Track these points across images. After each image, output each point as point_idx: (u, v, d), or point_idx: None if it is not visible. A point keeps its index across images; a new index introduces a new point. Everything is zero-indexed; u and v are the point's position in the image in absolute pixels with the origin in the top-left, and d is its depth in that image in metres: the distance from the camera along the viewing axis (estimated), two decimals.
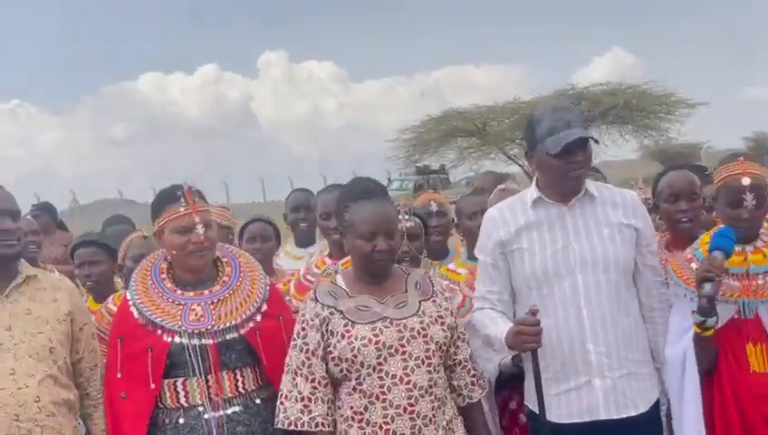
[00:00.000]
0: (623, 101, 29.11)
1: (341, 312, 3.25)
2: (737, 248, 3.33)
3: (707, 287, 3.17)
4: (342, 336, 3.21)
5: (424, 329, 3.22)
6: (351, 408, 3.21)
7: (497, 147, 32.31)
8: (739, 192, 3.33)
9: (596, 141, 3.35)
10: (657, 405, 3.44)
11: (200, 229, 3.31)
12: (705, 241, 3.42)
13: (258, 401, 3.36)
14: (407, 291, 3.31)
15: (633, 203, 3.49)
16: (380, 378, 3.17)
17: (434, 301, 3.32)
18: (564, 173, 3.36)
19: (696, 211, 3.91)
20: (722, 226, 3.42)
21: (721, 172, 3.43)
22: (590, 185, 3.46)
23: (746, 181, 3.33)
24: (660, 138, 31.31)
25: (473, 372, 3.38)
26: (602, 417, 3.34)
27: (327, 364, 3.23)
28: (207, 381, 3.29)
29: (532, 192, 3.48)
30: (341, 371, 3.21)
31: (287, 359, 3.28)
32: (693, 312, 3.24)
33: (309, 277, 4.30)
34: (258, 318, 3.41)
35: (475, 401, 3.38)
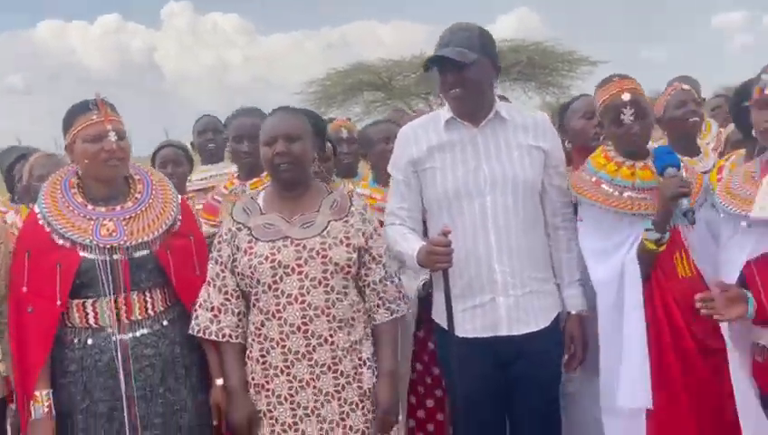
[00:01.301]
0: (526, 58, 29.36)
1: (249, 228, 3.28)
2: (628, 163, 3.47)
3: (686, 202, 3.25)
4: (245, 252, 3.24)
5: (324, 250, 3.23)
6: (253, 323, 3.27)
7: (403, 101, 32.28)
8: (619, 108, 3.44)
9: (462, 64, 3.35)
10: (557, 320, 3.55)
11: (112, 137, 3.25)
12: (600, 162, 3.55)
13: (165, 322, 3.35)
14: (319, 210, 3.32)
15: (543, 125, 3.58)
16: (276, 296, 3.20)
17: (346, 221, 3.32)
18: (445, 91, 3.46)
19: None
20: (657, 145, 3.53)
21: (600, 95, 3.54)
22: (502, 108, 3.53)
23: (626, 97, 3.43)
24: (562, 95, 31.69)
25: (381, 295, 3.37)
26: (504, 333, 3.45)
27: (236, 278, 3.27)
28: (117, 303, 3.25)
29: (444, 112, 3.54)
30: (245, 285, 3.26)
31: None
32: (647, 230, 3.33)
33: (217, 197, 4.31)
34: (170, 235, 3.38)
35: (379, 323, 3.37)
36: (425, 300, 3.82)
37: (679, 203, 3.25)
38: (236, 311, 3.29)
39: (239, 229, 3.30)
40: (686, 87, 4.48)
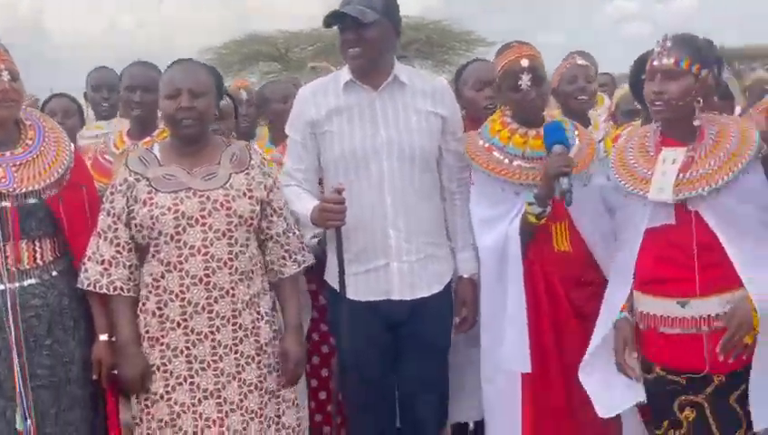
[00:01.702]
0: (425, 36, 29.53)
1: (148, 179, 3.21)
2: (521, 130, 3.52)
3: (565, 181, 3.26)
4: (144, 203, 3.18)
5: (228, 202, 3.20)
6: (151, 275, 3.21)
7: (299, 73, 32.11)
8: (517, 74, 3.47)
9: (362, 22, 3.35)
10: (449, 285, 3.61)
11: (5, 76, 3.15)
12: (495, 128, 3.59)
13: (55, 272, 3.27)
14: (220, 163, 3.28)
15: (442, 91, 3.61)
16: (178, 247, 3.16)
17: (247, 174, 3.29)
18: (343, 50, 3.47)
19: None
20: (548, 121, 3.55)
21: (499, 61, 3.57)
22: (402, 71, 3.54)
23: (524, 63, 3.47)
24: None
25: (286, 247, 3.37)
26: (396, 297, 3.49)
27: (131, 230, 3.21)
28: (5, 251, 3.16)
29: (344, 74, 3.53)
30: (143, 238, 3.19)
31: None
32: (530, 203, 3.37)
33: (107, 157, 4.18)
34: (62, 184, 3.29)
35: (285, 276, 3.39)
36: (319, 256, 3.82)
37: (560, 182, 3.27)
38: (128, 264, 3.23)
39: (137, 180, 3.22)
40: (581, 62, 4.55)
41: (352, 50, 3.41)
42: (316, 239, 3.76)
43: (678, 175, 3.09)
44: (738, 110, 4.96)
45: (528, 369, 3.42)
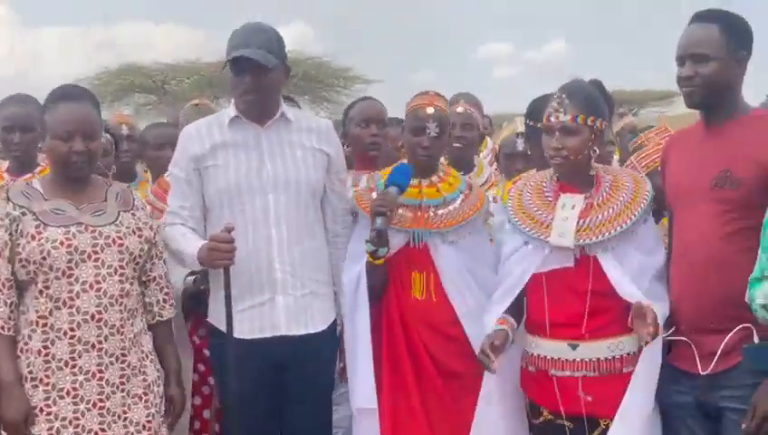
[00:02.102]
0: (302, 72, 29.62)
1: (34, 213, 3.13)
2: (414, 181, 3.55)
3: (379, 221, 3.32)
4: (33, 238, 3.09)
5: (120, 238, 3.17)
6: (36, 312, 3.11)
7: (175, 106, 31.69)
8: (423, 120, 3.52)
9: (271, 67, 3.39)
10: (334, 324, 3.62)
11: None
12: (386, 173, 3.62)
13: None
14: (106, 200, 3.24)
15: (327, 130, 3.65)
16: (69, 283, 3.09)
17: (133, 214, 3.27)
18: (238, 94, 3.47)
19: (384, 136, 4.17)
20: (402, 162, 3.64)
21: (410, 103, 3.63)
22: (288, 110, 3.58)
23: (431, 110, 3.53)
24: (336, 111, 32.21)
25: (165, 290, 3.37)
26: (283, 332, 3.47)
27: (13, 266, 3.11)
28: None
29: (230, 111, 3.54)
30: (28, 273, 3.09)
31: None
32: (366, 241, 3.40)
33: None
34: None
35: (164, 319, 3.37)
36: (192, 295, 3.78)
37: (375, 220, 3.34)
38: (8, 301, 3.11)
39: (23, 214, 3.13)
40: (459, 110, 4.62)
41: (250, 95, 3.43)
42: (192, 278, 3.72)
43: (579, 221, 3.20)
44: (616, 157, 5.15)
45: (373, 405, 3.46)
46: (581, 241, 3.18)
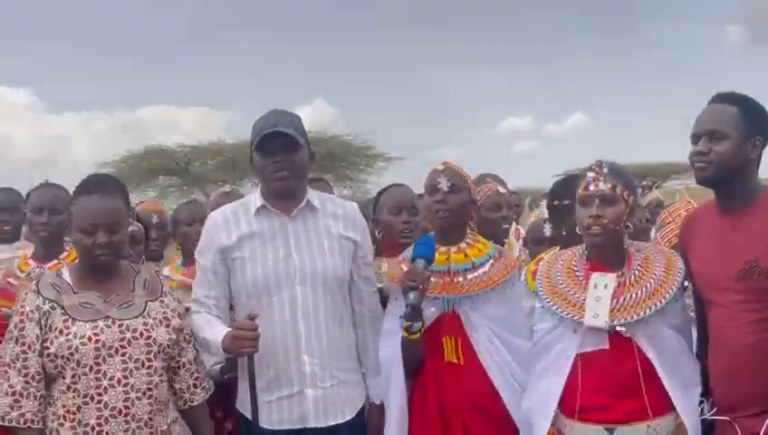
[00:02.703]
0: (325, 150, 29.92)
1: (63, 307, 3.13)
2: (442, 249, 3.54)
3: (411, 296, 3.30)
4: (61, 332, 3.09)
5: (147, 331, 3.16)
6: (64, 407, 3.09)
7: (200, 187, 32.02)
8: (434, 178, 3.54)
9: (301, 144, 3.42)
10: (362, 411, 3.57)
11: None
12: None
13: None
14: (134, 290, 3.24)
15: (354, 215, 3.63)
16: (97, 378, 3.07)
17: (161, 301, 3.27)
18: (269, 174, 3.44)
19: (416, 224, 4.13)
20: (424, 236, 3.60)
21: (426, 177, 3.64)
22: (314, 196, 3.56)
23: (440, 167, 3.57)
24: (358, 189, 32.43)
25: (195, 375, 3.36)
26: (312, 425, 3.43)
27: (42, 359, 3.09)
28: None
29: (256, 199, 3.53)
30: (56, 367, 3.09)
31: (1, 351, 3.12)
32: (400, 317, 3.37)
33: (11, 280, 3.99)
34: None
35: (196, 404, 3.35)
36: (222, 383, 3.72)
37: (407, 296, 3.32)
38: (38, 395, 3.10)
39: (52, 308, 3.13)
40: (502, 190, 4.63)
41: (282, 172, 3.41)
42: (218, 366, 3.69)
43: (612, 301, 3.17)
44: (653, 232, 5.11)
45: None
46: (616, 321, 3.14)
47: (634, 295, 3.17)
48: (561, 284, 3.31)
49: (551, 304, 3.29)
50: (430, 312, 3.48)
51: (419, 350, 3.47)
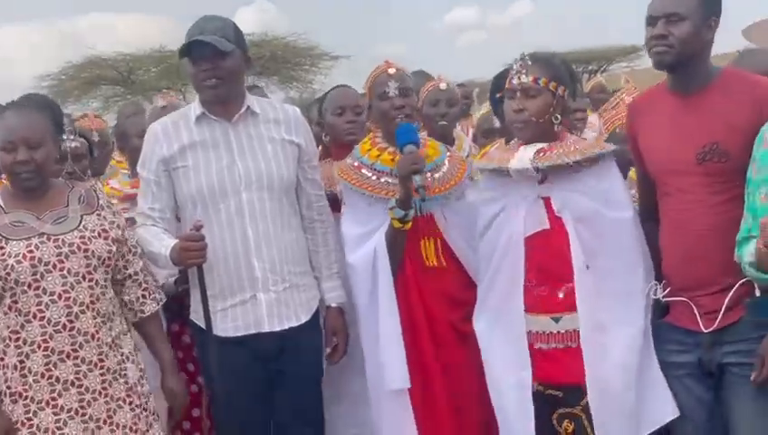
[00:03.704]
0: (269, 53, 29.49)
1: None
2: (391, 149, 3.53)
3: (418, 179, 3.28)
4: None
5: (85, 244, 3.13)
6: (8, 327, 3.08)
7: (144, 96, 31.51)
8: (384, 82, 3.51)
9: (229, 51, 3.35)
10: (317, 314, 3.60)
11: None
12: (365, 147, 3.62)
13: None
14: (68, 205, 3.20)
15: (296, 119, 3.60)
16: (37, 295, 3.06)
17: (98, 214, 3.23)
18: (199, 82, 3.42)
19: (361, 123, 4.11)
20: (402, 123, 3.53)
21: (369, 76, 3.63)
22: (254, 102, 3.53)
23: (391, 70, 3.54)
24: (305, 89, 32.11)
25: (144, 286, 3.35)
26: (266, 329, 3.45)
27: None
28: None
29: (195, 108, 3.49)
30: None
31: None
32: (392, 208, 3.37)
33: None
34: None
35: (147, 314, 3.36)
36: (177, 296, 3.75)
37: (413, 179, 3.31)
38: None
39: None
40: (443, 86, 4.60)
41: (210, 81, 3.37)
42: (173, 278, 3.71)
43: (538, 154, 3.21)
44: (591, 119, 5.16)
45: (407, 384, 3.42)
46: (540, 164, 3.17)
47: (559, 151, 3.21)
48: (496, 155, 3.40)
49: (483, 163, 3.39)
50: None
51: (403, 246, 3.47)
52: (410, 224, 3.41)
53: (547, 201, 3.24)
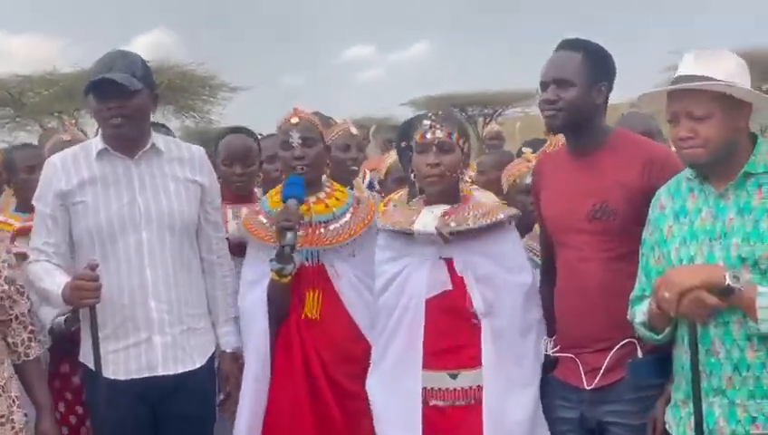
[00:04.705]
0: (167, 81, 29.10)
1: None
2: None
3: (288, 236, 3.28)
4: None
5: None
6: None
7: (34, 119, 30.74)
8: (287, 132, 3.52)
9: (136, 89, 3.30)
10: (212, 358, 3.54)
11: None
12: (272, 193, 3.61)
13: None
14: None
15: (200, 159, 3.56)
16: None
17: None
18: (103, 120, 3.36)
19: (251, 174, 4.13)
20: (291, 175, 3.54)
21: (278, 123, 3.62)
22: (159, 139, 3.48)
23: (294, 120, 3.53)
24: (201, 119, 31.83)
25: (30, 328, 3.25)
26: (160, 373, 3.38)
27: None
28: None
29: (97, 143, 3.42)
30: None
31: None
32: (271, 260, 3.35)
33: None
34: None
35: (31, 358, 3.26)
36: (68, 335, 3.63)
37: (283, 235, 3.31)
38: None
39: None
40: (354, 131, 4.61)
41: (115, 119, 3.31)
42: (62, 317, 3.59)
43: (442, 218, 3.25)
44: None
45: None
46: (444, 229, 3.21)
47: (463, 215, 3.26)
48: (398, 214, 3.42)
49: (384, 223, 3.38)
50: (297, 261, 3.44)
51: (287, 297, 3.45)
52: (288, 278, 3.39)
53: (449, 262, 3.28)
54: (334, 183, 3.75)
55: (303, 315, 3.49)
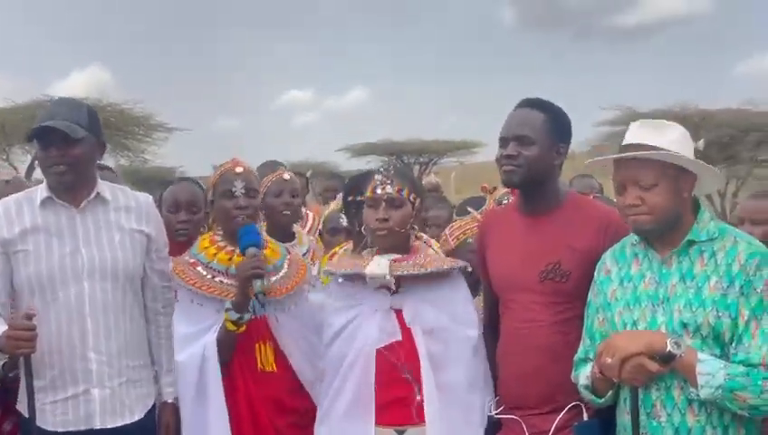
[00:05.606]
0: (102, 119, 28.71)
1: None
2: (229, 248, 3.51)
3: (258, 284, 3.30)
4: None
5: None
6: None
7: None
8: (231, 181, 3.51)
9: (80, 138, 3.29)
10: (152, 410, 3.48)
11: None
12: (203, 245, 3.58)
13: None
14: None
15: (147, 208, 3.54)
16: None
17: None
18: (46, 167, 3.34)
19: (196, 222, 4.12)
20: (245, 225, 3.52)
21: (216, 171, 3.62)
22: (105, 188, 3.45)
23: (239, 169, 3.54)
24: (136, 159, 31.44)
25: None
26: (98, 426, 3.32)
27: None
28: None
29: (42, 190, 3.37)
30: None
31: None
32: (227, 309, 3.34)
33: None
34: None
35: None
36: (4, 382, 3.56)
37: (253, 283, 3.32)
38: None
39: None
40: (286, 177, 4.58)
41: (58, 167, 3.29)
42: (0, 363, 3.51)
43: (392, 265, 3.27)
44: None
45: None
46: (396, 272, 3.25)
47: (413, 262, 3.29)
48: (348, 263, 3.44)
49: (334, 270, 3.40)
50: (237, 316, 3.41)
51: (233, 348, 3.43)
52: (245, 327, 3.39)
53: (399, 313, 3.29)
54: (268, 236, 3.76)
55: (260, 368, 3.47)
